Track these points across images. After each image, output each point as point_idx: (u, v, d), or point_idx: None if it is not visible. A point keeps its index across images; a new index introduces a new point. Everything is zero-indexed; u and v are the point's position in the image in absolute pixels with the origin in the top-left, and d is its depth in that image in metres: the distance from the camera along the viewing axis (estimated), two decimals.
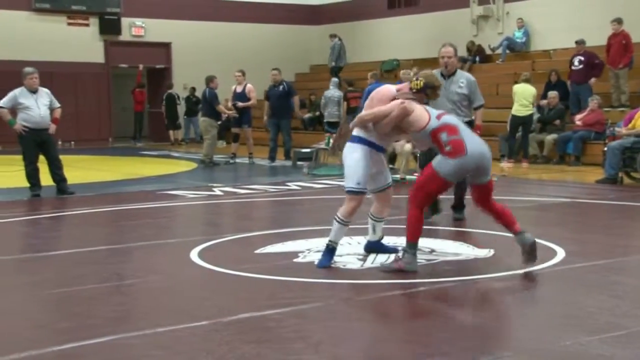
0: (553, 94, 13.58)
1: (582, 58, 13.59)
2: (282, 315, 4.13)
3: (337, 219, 5.32)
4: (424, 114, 5.05)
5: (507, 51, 17.18)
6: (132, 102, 20.39)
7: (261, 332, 3.88)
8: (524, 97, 13.17)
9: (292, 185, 10.45)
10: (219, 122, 14.26)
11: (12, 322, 4.18)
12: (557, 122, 13.56)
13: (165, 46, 20.70)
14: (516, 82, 13.78)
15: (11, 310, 4.42)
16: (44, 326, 4.07)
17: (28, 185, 9.41)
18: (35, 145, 9.39)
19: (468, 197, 6.05)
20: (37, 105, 9.34)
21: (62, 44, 18.98)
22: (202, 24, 20.86)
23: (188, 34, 20.59)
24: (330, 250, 5.33)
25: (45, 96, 9.49)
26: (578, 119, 12.97)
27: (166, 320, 4.10)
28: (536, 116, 13.55)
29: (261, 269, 5.22)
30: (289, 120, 14.10)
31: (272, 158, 13.77)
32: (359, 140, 5.30)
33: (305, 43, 22.27)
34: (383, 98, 5.25)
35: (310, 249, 5.86)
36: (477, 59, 17.57)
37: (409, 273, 4.99)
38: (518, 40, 17.22)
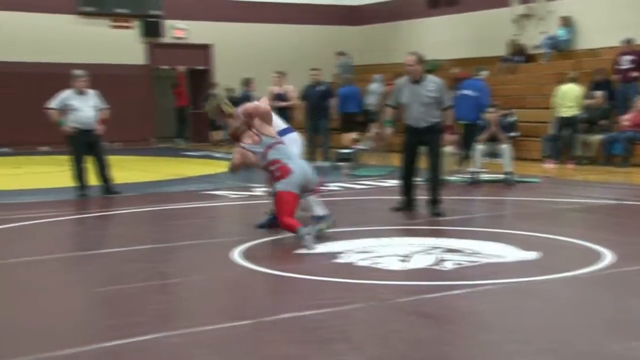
0: (599, 93, 13.35)
1: (632, 57, 13.34)
2: (324, 316, 4.15)
3: None
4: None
5: (551, 50, 16.95)
6: (173, 101, 20.60)
7: (303, 332, 3.91)
8: (569, 97, 12.98)
9: (332, 186, 10.47)
10: None
11: (60, 318, 4.28)
12: (604, 122, 13.33)
13: (206, 48, 20.89)
14: (561, 82, 13.59)
15: (60, 307, 4.52)
16: (91, 323, 4.16)
17: (75, 185, 9.59)
18: (83, 145, 9.57)
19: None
20: (86, 107, 9.53)
21: (106, 46, 19.28)
22: (243, 25, 21.01)
23: (228, 35, 20.75)
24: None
25: (93, 98, 9.68)
26: (626, 119, 12.74)
27: (209, 319, 4.16)
28: (582, 116, 13.35)
29: (302, 270, 5.25)
30: (327, 121, 14.10)
31: (311, 159, 13.78)
32: None
33: (345, 44, 22.25)
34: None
35: (351, 250, 5.87)
36: (520, 58, 17.37)
37: (450, 272, 4.98)
38: (561, 38, 16.97)
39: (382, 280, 4.99)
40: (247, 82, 13.79)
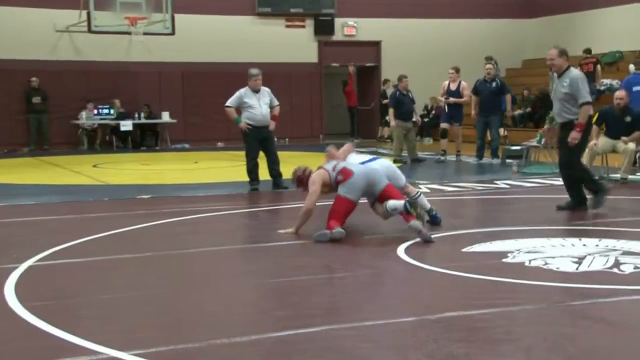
0: None
1: None
2: (490, 316, 4.06)
3: None
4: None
5: None
6: (343, 99, 20.96)
7: (469, 331, 3.85)
8: None
9: (501, 184, 10.20)
10: (412, 121, 13.96)
11: (236, 307, 4.48)
12: None
13: (375, 45, 21.04)
14: None
15: (235, 297, 4.75)
16: (264, 312, 4.33)
17: (248, 179, 10.02)
18: (256, 141, 9.97)
19: None
20: (260, 104, 9.91)
21: (281, 45, 19.95)
22: (412, 21, 20.95)
23: (398, 31, 20.78)
24: None
25: (266, 95, 10.04)
26: None
27: (374, 314, 4.20)
28: None
29: (468, 268, 5.16)
30: (499, 118, 13.75)
31: (480, 156, 13.52)
32: None
33: (518, 37, 21.59)
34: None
35: (519, 250, 5.70)
36: None
37: (628, 276, 4.70)
38: None
39: (554, 282, 4.80)
40: (399, 80, 13.75)
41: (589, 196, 7.60)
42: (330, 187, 6.65)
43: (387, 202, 6.37)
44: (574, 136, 7.39)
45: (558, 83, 7.56)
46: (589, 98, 7.42)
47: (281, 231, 6.67)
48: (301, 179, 6.90)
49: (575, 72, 7.56)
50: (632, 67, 13.01)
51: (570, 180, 7.68)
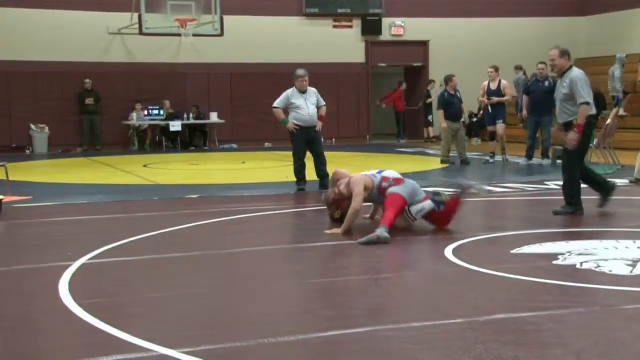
0: None
1: None
2: (540, 319, 4.00)
3: None
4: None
5: None
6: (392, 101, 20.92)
7: (518, 334, 3.80)
8: None
9: (551, 185, 10.04)
10: (461, 121, 13.77)
11: (282, 307, 4.50)
12: None
13: (423, 44, 20.91)
14: None
15: (282, 296, 4.77)
16: (310, 312, 4.34)
17: (295, 180, 10.05)
18: (304, 142, 10.00)
19: None
20: (307, 105, 9.95)
21: (328, 45, 19.98)
22: (460, 20, 20.78)
23: (445, 31, 20.63)
24: None
25: (313, 95, 10.07)
26: None
27: (421, 315, 4.17)
28: None
29: (518, 270, 5.09)
30: (551, 118, 13.52)
31: (530, 157, 13.32)
32: None
33: (570, 35, 21.19)
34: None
35: (571, 252, 5.60)
36: None
37: None
38: None
39: (607, 285, 4.70)
40: (446, 81, 13.60)
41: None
42: (370, 192, 6.72)
43: (412, 207, 6.65)
44: (571, 137, 7.24)
45: (559, 83, 7.52)
46: (587, 99, 7.23)
47: (328, 231, 6.68)
48: (337, 200, 6.99)
49: (576, 72, 7.42)
50: None
51: (591, 183, 7.62)
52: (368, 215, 7.30)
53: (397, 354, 3.56)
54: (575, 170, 7.43)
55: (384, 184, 6.71)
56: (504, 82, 13.64)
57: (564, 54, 7.50)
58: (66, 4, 18.15)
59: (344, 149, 17.53)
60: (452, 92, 13.52)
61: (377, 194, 6.74)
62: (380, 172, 6.95)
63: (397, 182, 6.74)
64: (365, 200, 6.79)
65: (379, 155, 16.47)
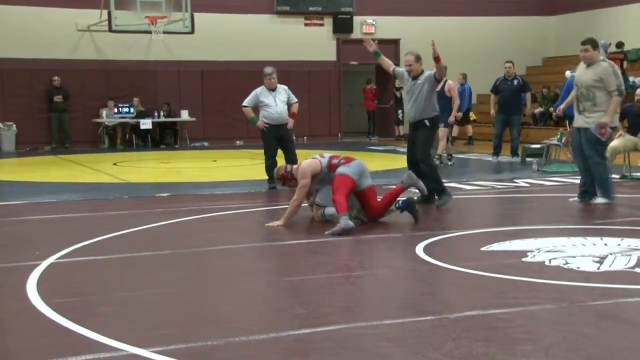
0: None
1: None
2: (510, 316, 4.04)
3: None
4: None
5: None
6: (363, 100, 20.97)
7: (489, 331, 3.83)
8: None
9: (521, 183, 10.15)
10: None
11: (254, 306, 4.49)
12: None
13: (395, 43, 20.99)
14: None
15: (253, 295, 4.76)
16: (282, 311, 4.33)
17: (267, 178, 10.03)
18: (275, 140, 9.99)
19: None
20: (276, 103, 9.93)
21: (299, 44, 19.98)
22: (431, 19, 20.89)
23: (417, 29, 20.69)
24: None
25: (283, 93, 10.06)
26: None
27: (393, 313, 4.19)
28: None
29: (488, 267, 5.14)
30: (519, 117, 13.66)
31: (497, 154, 13.42)
32: None
33: (539, 35, 21.48)
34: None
35: (540, 249, 5.66)
36: None
37: None
38: None
39: (575, 282, 4.76)
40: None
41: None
42: (319, 174, 6.96)
43: (326, 209, 6.89)
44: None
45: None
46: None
47: (269, 224, 6.74)
48: (285, 177, 7.17)
49: (427, 73, 8.15)
50: None
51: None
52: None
53: (368, 352, 3.57)
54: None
55: (334, 161, 6.96)
56: (449, 82, 13.27)
57: (419, 59, 8.15)
58: (34, 0, 17.91)
59: (316, 147, 17.51)
60: None
61: (327, 172, 6.94)
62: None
63: (347, 160, 6.97)
64: (315, 184, 6.99)
65: (350, 153, 16.46)
